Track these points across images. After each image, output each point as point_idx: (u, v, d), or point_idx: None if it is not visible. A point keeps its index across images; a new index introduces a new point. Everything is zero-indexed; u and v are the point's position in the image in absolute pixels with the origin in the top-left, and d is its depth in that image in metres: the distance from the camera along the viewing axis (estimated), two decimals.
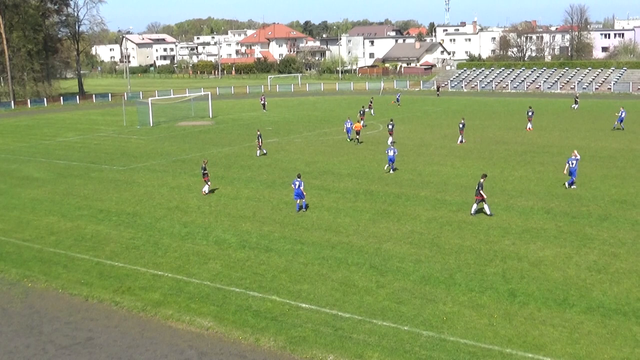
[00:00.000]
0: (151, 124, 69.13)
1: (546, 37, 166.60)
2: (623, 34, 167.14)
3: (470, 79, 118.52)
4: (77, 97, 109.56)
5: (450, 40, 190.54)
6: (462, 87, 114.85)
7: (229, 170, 42.48)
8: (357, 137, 53.15)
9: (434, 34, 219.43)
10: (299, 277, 22.80)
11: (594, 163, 42.30)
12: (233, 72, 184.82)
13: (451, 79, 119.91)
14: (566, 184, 35.49)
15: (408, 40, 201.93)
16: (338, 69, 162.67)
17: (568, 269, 23.03)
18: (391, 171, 40.99)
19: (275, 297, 21.05)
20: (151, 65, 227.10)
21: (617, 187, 35.23)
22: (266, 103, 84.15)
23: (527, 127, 59.20)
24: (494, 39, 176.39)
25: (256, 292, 21.51)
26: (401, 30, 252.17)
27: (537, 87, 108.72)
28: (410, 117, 70.57)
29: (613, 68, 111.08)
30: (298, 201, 31.84)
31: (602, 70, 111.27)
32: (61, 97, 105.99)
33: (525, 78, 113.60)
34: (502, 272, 22.80)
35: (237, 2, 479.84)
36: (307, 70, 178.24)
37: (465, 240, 26.58)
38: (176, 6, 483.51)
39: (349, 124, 54.31)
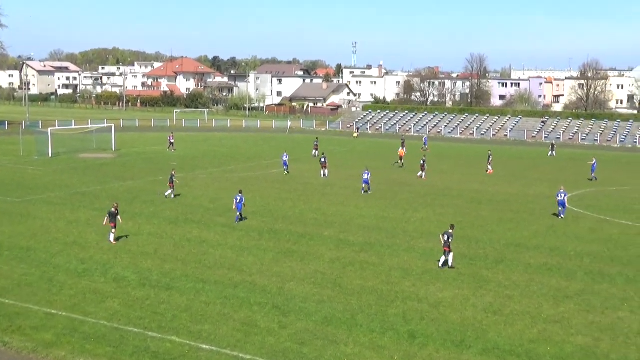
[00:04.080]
0: (50, 155, 66.83)
1: (448, 84, 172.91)
2: (519, 84, 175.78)
3: (375, 121, 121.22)
4: None
5: (357, 82, 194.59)
6: (367, 128, 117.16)
7: (131, 205, 41.45)
8: (401, 162, 64.48)
9: (341, 75, 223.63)
10: (200, 317, 22.39)
11: (490, 207, 43.90)
12: (138, 105, 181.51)
13: (357, 120, 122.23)
14: (561, 216, 40.27)
15: (315, 81, 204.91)
16: (245, 105, 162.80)
17: (466, 310, 23.66)
18: (369, 191, 47.60)
19: (175, 338, 20.55)
20: (52, 94, 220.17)
21: (512, 231, 36.67)
22: (174, 141, 76.75)
23: (488, 170, 61.98)
24: (398, 83, 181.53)
25: (155, 333, 20.95)
26: (309, 70, 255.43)
27: (439, 132, 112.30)
28: (316, 156, 71.21)
29: (509, 116, 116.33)
30: (238, 213, 36.90)
31: (499, 117, 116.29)
32: None
33: (427, 122, 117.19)
34: (402, 313, 23.17)
35: (145, 34, 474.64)
36: (214, 105, 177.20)
37: (368, 281, 26.90)
38: (81, 34, 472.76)
39: (286, 157, 58.17)
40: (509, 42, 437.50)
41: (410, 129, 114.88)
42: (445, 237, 29.06)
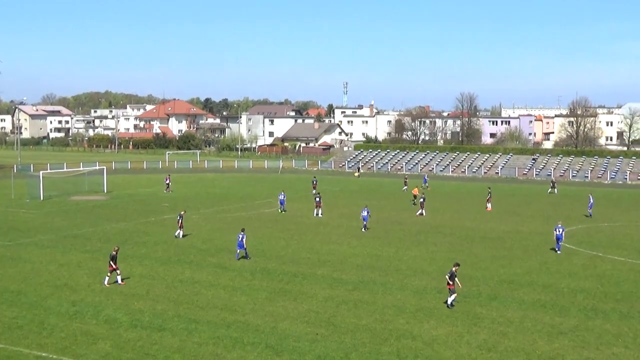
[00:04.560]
0: (41, 198, 66.64)
1: (439, 122, 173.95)
2: (509, 122, 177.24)
3: (367, 160, 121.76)
4: None
5: (348, 122, 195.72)
6: (359, 167, 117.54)
7: (123, 247, 41.09)
8: (415, 199, 63.38)
9: (332, 115, 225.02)
10: (193, 358, 22.18)
11: (483, 244, 43.93)
12: (131, 147, 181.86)
13: (348, 159, 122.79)
14: (556, 248, 40.98)
15: (307, 121, 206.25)
16: (237, 146, 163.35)
17: (460, 347, 23.53)
18: (364, 230, 48.11)
19: None
20: (44, 138, 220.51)
21: (505, 268, 36.64)
22: (170, 183, 77.17)
23: (487, 207, 62.38)
24: (389, 122, 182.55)
25: None
26: (301, 110, 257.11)
27: (430, 170, 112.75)
28: (309, 195, 71.35)
29: (500, 153, 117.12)
30: (239, 251, 37.73)
31: (490, 155, 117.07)
32: None
33: (419, 160, 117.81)
34: (396, 351, 23.01)
35: (137, 77, 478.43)
36: (206, 147, 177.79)
37: (361, 319, 26.76)
38: (74, 78, 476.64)
39: (282, 196, 59.82)
40: (498, 81, 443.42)
41: (402, 167, 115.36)
42: (448, 274, 28.91)
